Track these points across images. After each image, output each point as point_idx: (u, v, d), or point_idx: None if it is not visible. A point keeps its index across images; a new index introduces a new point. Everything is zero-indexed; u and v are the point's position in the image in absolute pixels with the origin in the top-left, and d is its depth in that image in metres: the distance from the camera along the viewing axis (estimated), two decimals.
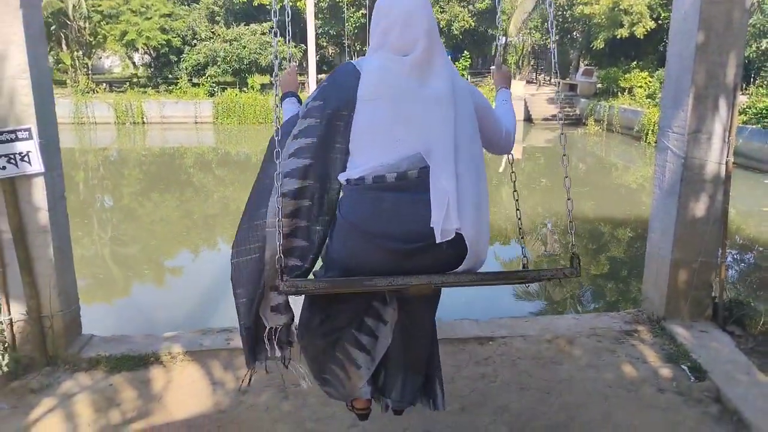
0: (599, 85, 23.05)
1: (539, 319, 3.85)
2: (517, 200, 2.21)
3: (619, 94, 21.22)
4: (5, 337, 3.12)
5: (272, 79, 1.96)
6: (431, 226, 1.72)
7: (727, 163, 3.20)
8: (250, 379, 2.04)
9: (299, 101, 2.13)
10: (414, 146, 1.76)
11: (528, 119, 23.61)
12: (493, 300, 6.50)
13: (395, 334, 1.99)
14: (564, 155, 2.06)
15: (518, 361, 3.19)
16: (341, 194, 1.86)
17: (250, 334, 1.93)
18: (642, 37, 19.47)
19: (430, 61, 1.81)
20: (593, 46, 22.31)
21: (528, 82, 29.26)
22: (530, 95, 24.73)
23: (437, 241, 1.72)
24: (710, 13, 3.03)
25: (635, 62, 21.65)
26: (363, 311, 1.96)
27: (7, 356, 3.08)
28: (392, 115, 1.77)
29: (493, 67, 2.54)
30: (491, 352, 3.28)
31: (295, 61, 2.30)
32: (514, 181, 2.23)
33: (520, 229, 2.27)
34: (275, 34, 1.87)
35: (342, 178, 1.81)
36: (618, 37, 20.31)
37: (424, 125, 1.77)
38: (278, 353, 1.93)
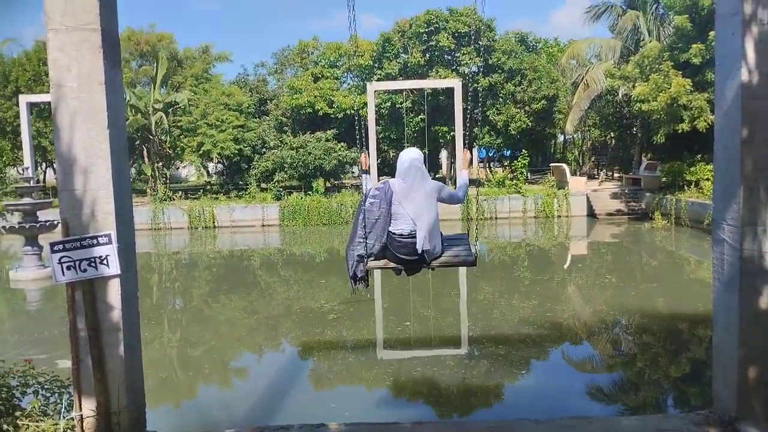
0: (663, 179, 22.71)
1: (603, 420, 3.69)
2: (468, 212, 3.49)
3: (685, 187, 20.80)
4: None
5: (359, 174, 5.00)
6: (416, 248, 4.39)
7: None
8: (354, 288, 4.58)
9: (369, 174, 4.91)
10: (414, 222, 4.38)
11: (591, 215, 23.33)
12: (555, 398, 6.25)
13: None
14: None
15: None
16: (387, 236, 4.45)
17: (353, 278, 4.48)
18: (704, 131, 19.28)
19: (415, 183, 4.42)
20: (654, 141, 22.21)
21: (589, 177, 29.19)
22: (592, 191, 24.58)
23: (418, 252, 4.40)
24: (753, 107, 3.08)
25: (700, 155, 21.34)
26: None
27: None
28: (405, 210, 4.40)
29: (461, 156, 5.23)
30: None
31: (366, 152, 4.35)
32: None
33: (470, 220, 3.97)
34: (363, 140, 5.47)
35: (389, 228, 4.43)
36: (679, 131, 20.20)
37: (417, 213, 4.37)
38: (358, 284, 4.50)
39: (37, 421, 3.29)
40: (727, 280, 3.29)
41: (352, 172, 30.97)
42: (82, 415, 3.25)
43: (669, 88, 19.75)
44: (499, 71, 26.56)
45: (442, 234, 4.62)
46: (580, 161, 35.95)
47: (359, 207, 4.54)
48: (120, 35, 3.50)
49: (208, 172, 34.83)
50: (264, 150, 27.40)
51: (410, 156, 4.49)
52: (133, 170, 31.58)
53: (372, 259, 4.48)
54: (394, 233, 4.41)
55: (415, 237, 4.37)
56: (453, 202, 4.61)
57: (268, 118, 29.68)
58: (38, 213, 13.92)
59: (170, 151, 29.73)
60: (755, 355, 3.17)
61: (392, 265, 4.52)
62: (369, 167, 5.00)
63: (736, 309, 3.19)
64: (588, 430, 3.39)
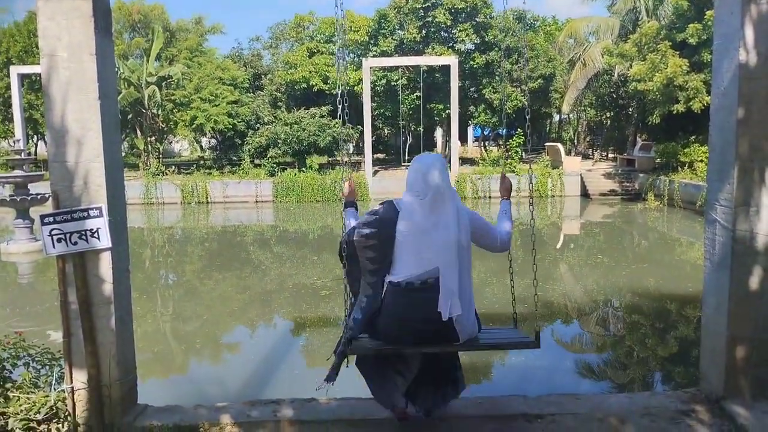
0: (658, 160, 22.74)
1: (591, 396, 3.72)
2: (512, 275, 3.47)
3: (679, 168, 20.84)
4: (66, 405, 3.27)
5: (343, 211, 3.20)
6: (438, 310, 2.69)
7: None
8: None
9: (356, 209, 3.18)
10: (433, 263, 2.70)
11: (585, 194, 23.38)
12: (544, 375, 6.31)
13: (422, 371, 3.00)
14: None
15: None
16: (384, 291, 2.81)
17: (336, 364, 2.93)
18: (699, 112, 19.26)
19: (437, 203, 2.74)
20: (649, 122, 22.19)
21: (584, 157, 29.19)
22: (586, 171, 24.60)
23: (443, 319, 2.69)
24: (750, 89, 3.06)
25: (694, 136, 21.35)
26: (399, 359, 3.02)
27: (66, 424, 3.22)
28: (419, 243, 2.72)
29: (502, 175, 3.69)
30: (539, 431, 3.20)
31: (353, 179, 2.88)
32: (512, 271, 3.51)
33: (512, 294, 3.46)
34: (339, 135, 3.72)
35: (386, 279, 2.80)
36: (674, 112, 20.18)
37: (439, 250, 2.70)
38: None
39: (28, 393, 3.29)
40: (718, 260, 3.30)
41: (347, 150, 30.81)
42: (73, 388, 3.25)
43: (665, 68, 19.67)
44: (496, 49, 26.37)
45: (477, 316, 3.00)
46: (575, 141, 35.90)
47: (340, 247, 2.91)
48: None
49: (201, 147, 34.60)
50: (258, 125, 27.20)
51: (429, 163, 2.82)
52: (125, 144, 31.31)
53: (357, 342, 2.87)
54: (398, 284, 2.75)
55: (434, 291, 2.69)
56: (494, 248, 3.06)
57: (262, 93, 29.42)
58: (29, 186, 13.82)
59: (163, 125, 29.47)
60: (744, 335, 3.20)
61: (389, 348, 2.87)
62: (354, 199, 3.26)
63: (727, 289, 3.21)
64: (575, 407, 3.42)
